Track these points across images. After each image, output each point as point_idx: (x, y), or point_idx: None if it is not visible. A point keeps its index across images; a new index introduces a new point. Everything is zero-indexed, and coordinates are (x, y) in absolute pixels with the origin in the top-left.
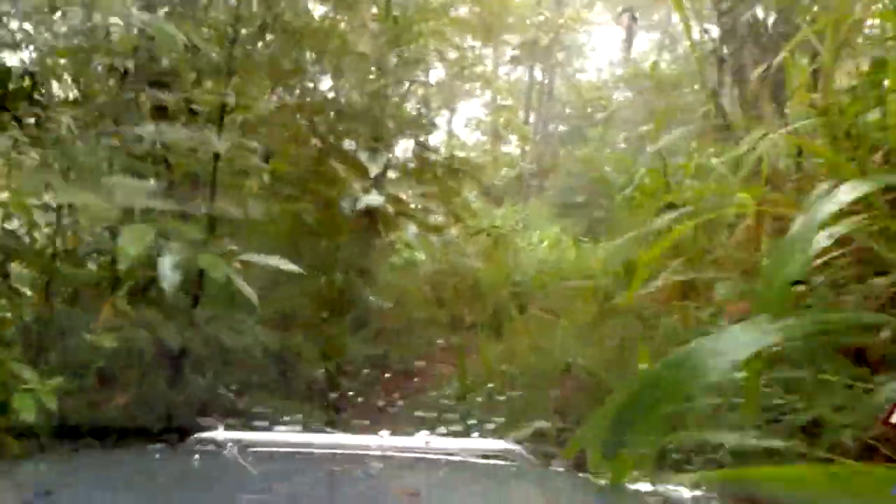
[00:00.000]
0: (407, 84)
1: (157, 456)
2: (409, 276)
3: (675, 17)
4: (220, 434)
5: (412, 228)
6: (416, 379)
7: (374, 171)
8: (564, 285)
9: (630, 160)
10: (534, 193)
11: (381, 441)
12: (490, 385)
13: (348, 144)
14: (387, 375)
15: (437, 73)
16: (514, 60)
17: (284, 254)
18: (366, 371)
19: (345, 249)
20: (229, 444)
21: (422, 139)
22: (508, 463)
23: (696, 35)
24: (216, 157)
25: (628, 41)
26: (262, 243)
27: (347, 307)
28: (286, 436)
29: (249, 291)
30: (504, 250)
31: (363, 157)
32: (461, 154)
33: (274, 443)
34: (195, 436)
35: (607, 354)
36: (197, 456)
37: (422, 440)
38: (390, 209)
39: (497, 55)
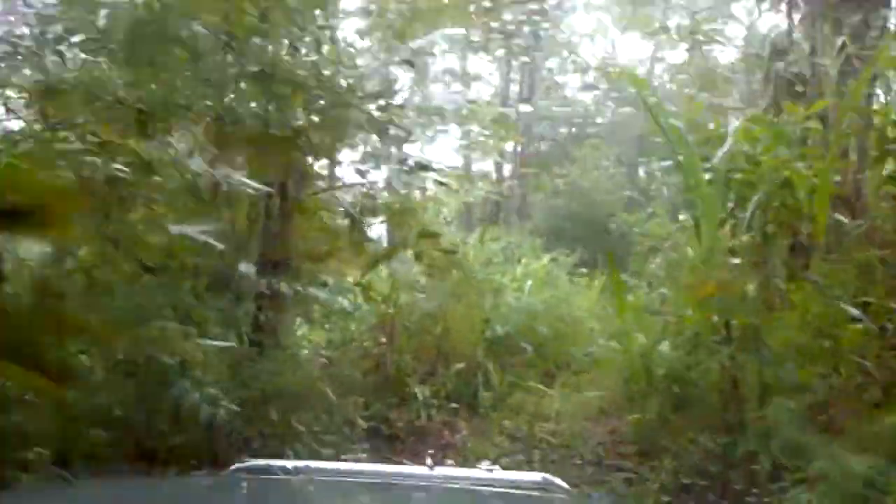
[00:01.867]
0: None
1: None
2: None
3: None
4: (260, 462)
5: None
6: None
7: None
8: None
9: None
10: (515, 218)
11: (425, 471)
12: None
13: None
14: None
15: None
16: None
17: None
18: None
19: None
20: (280, 471)
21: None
22: (551, 494)
23: None
24: None
25: None
26: None
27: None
28: (330, 464)
29: None
30: (476, 289)
31: None
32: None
33: (318, 471)
34: (237, 465)
35: None
36: (245, 483)
37: (465, 471)
38: None
39: (464, 49)
